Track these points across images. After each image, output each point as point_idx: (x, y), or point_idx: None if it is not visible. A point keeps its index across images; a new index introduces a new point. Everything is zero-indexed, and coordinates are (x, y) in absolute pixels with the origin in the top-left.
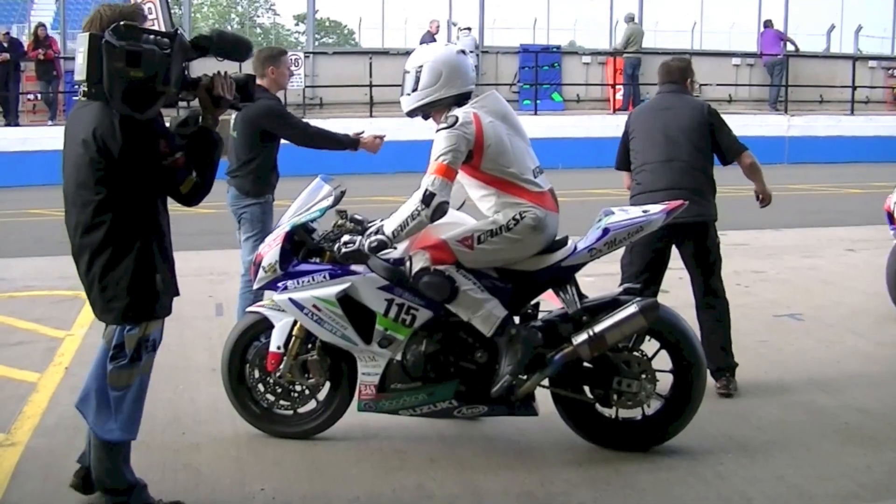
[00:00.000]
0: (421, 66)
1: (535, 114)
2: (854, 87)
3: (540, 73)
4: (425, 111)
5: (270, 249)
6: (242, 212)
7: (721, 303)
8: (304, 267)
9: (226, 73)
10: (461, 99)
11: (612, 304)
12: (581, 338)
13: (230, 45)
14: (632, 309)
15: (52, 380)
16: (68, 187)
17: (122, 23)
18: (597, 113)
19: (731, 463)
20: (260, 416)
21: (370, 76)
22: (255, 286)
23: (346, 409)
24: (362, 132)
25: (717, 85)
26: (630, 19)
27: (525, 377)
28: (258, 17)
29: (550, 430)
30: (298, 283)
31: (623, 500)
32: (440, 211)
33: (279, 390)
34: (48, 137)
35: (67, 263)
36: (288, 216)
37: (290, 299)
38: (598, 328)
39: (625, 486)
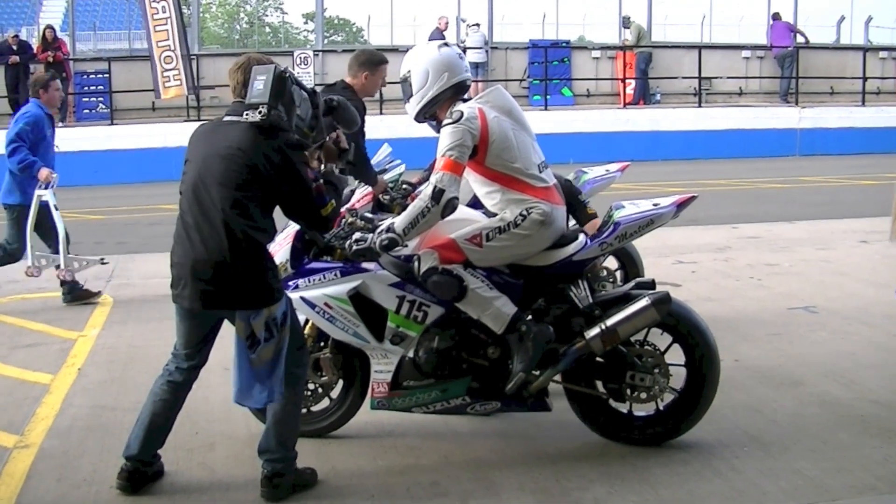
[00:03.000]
0: (409, 72)
1: (546, 109)
2: (865, 79)
3: (549, 68)
4: (429, 111)
5: (281, 248)
6: None
7: None
8: (314, 265)
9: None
10: (459, 90)
11: (623, 298)
12: (593, 332)
13: (348, 115)
14: (644, 302)
15: (65, 381)
16: (209, 187)
17: (289, 69)
18: (607, 107)
19: (746, 456)
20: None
21: None
22: None
23: (360, 407)
24: (384, 172)
25: (728, 78)
26: (627, 21)
27: (538, 373)
28: (267, 15)
29: (565, 426)
30: (309, 281)
31: (638, 494)
32: (450, 207)
33: None
34: (58, 139)
35: None
36: None
37: (302, 298)
38: (610, 322)
39: (640, 480)
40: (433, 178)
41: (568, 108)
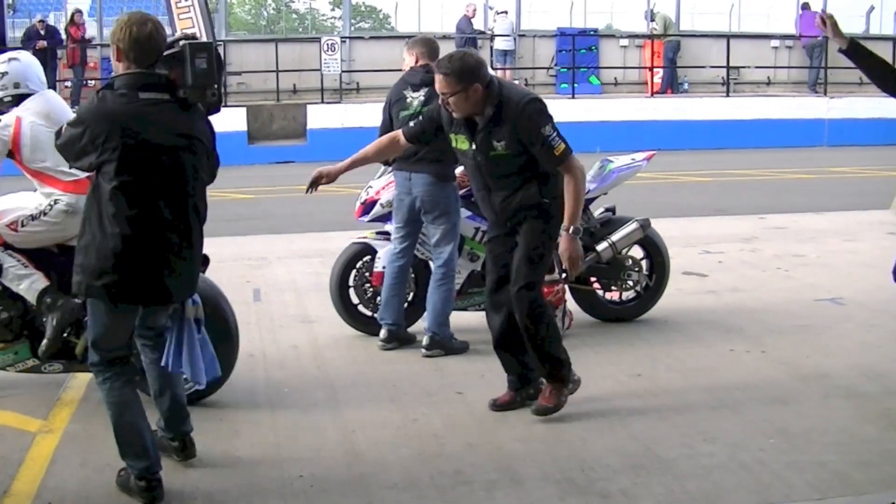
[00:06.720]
0: None
1: (573, 97)
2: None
3: (577, 56)
4: None
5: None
6: (437, 200)
7: None
8: None
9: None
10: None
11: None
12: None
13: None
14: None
15: None
16: (186, 181)
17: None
18: (634, 96)
19: (772, 449)
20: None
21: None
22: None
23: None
24: None
25: (756, 67)
26: (652, 14)
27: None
28: (294, 1)
29: (589, 416)
30: None
31: (663, 486)
32: None
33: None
34: None
35: None
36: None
37: None
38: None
39: (665, 472)
40: None
41: (595, 96)
